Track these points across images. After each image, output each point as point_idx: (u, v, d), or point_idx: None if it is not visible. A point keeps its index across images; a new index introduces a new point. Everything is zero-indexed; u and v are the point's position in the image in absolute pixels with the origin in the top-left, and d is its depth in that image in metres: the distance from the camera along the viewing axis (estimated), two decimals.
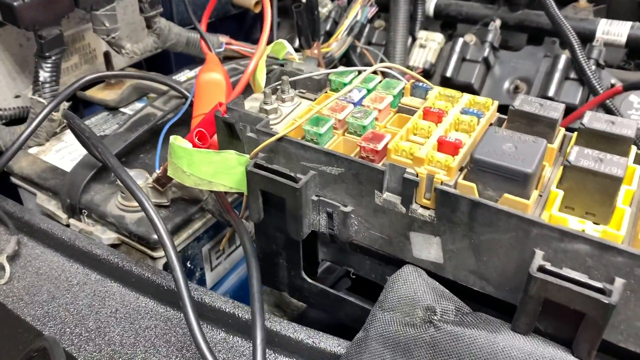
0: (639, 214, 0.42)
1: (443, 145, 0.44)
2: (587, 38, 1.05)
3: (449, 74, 1.09)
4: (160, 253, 0.66)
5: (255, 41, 1.45)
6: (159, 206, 0.67)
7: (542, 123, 0.46)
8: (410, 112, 0.51)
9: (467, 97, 0.50)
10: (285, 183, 0.47)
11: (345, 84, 0.54)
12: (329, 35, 1.25)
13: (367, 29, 1.23)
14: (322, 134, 0.47)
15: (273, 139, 0.48)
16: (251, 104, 0.55)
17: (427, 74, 1.16)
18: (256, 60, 0.59)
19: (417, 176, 0.43)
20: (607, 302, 0.36)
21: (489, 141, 0.42)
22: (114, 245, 0.68)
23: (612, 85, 0.98)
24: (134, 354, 0.52)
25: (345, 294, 0.55)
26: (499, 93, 1.09)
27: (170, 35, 0.93)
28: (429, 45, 1.16)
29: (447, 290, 0.47)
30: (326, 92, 0.57)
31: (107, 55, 0.90)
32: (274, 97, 0.55)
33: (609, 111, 0.94)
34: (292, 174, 0.47)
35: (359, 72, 0.55)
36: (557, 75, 1.00)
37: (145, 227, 0.65)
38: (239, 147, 0.52)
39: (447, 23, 1.29)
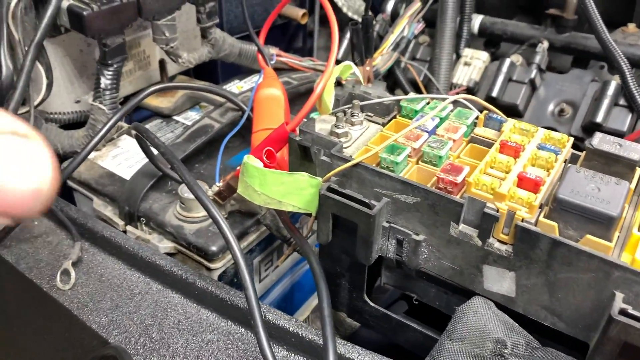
0: None
1: (523, 182, 0.45)
2: (636, 63, 1.05)
3: (494, 94, 1.09)
4: (217, 264, 0.67)
5: (296, 51, 1.47)
6: None
7: (621, 164, 0.46)
8: (483, 143, 0.52)
9: (542, 131, 0.51)
10: (359, 209, 0.47)
11: (416, 111, 0.55)
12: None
13: (412, 44, 1.23)
14: (399, 162, 0.48)
15: (349, 164, 0.48)
16: (319, 126, 0.56)
17: (470, 92, 1.16)
18: (325, 81, 0.59)
19: (497, 211, 0.44)
20: None
21: (572, 181, 0.43)
22: (169, 254, 0.69)
23: None
24: None
25: (406, 319, 0.55)
26: (543, 115, 1.09)
27: (225, 46, 0.94)
28: (474, 63, 1.17)
29: (516, 324, 0.47)
30: (394, 116, 0.57)
31: (162, 63, 0.92)
32: (343, 120, 0.55)
33: None
34: (367, 201, 0.48)
35: (430, 100, 0.56)
36: (606, 102, 0.99)
37: (204, 239, 0.66)
38: (310, 169, 0.52)
39: (491, 41, 1.29)
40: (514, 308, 0.47)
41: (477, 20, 1.24)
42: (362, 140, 0.55)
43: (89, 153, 0.64)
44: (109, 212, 0.74)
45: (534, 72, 1.09)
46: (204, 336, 0.56)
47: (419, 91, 1.16)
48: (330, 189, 0.50)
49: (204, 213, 0.68)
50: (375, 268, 0.56)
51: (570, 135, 1.04)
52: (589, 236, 0.41)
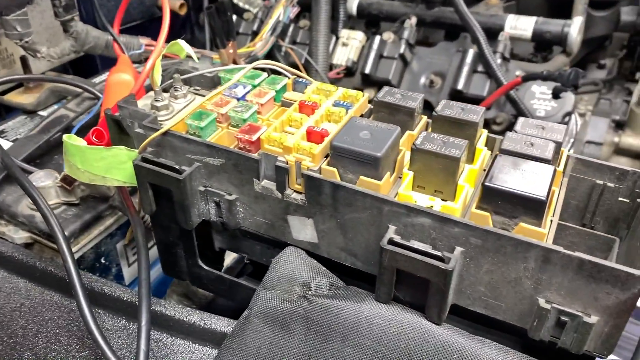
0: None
1: (311, 135, 0.48)
2: (496, 33, 1.12)
3: (367, 70, 1.14)
4: (72, 249, 0.68)
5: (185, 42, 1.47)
6: (69, 204, 0.69)
7: (402, 112, 0.50)
8: (291, 105, 0.55)
9: (341, 90, 0.54)
10: (169, 175, 0.50)
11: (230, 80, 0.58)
12: (256, 34, 1.29)
13: (291, 29, 1.26)
14: (203, 127, 0.50)
15: (157, 133, 0.51)
16: (144, 102, 0.58)
17: (349, 71, 1.20)
18: (153, 60, 0.61)
19: (286, 163, 0.47)
20: (444, 268, 0.41)
21: (349, 130, 0.46)
22: (27, 245, 0.69)
23: (518, 77, 1.05)
24: (35, 344, 0.54)
25: (241, 279, 0.58)
26: (416, 88, 1.14)
27: (89, 39, 0.94)
28: (351, 43, 1.21)
29: (323, 268, 0.51)
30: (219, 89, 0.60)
31: (23, 60, 0.91)
32: (166, 94, 0.58)
33: (512, 101, 1.01)
34: (177, 167, 0.50)
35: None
36: (465, 69, 1.06)
37: None
38: (130, 143, 0.54)
39: (371, 21, 1.34)
40: (320, 253, 0.50)
41: (354, 1, 1.28)
42: (184, 112, 0.57)
43: None
44: None
45: (403, 47, 1.14)
46: (45, 315, 0.57)
47: None
48: (143, 159, 0.52)
49: (54, 201, 0.68)
50: (209, 233, 0.59)
51: None
52: (362, 177, 0.45)
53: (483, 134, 0.50)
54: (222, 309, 0.69)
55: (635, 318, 0.41)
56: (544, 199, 0.40)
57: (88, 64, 1.14)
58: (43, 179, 0.69)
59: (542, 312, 0.41)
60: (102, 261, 0.73)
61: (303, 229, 0.50)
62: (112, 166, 0.54)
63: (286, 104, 0.56)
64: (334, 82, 1.23)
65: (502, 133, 1.06)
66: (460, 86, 1.05)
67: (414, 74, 1.16)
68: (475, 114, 0.48)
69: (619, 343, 0.43)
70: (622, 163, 1.18)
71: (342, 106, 0.52)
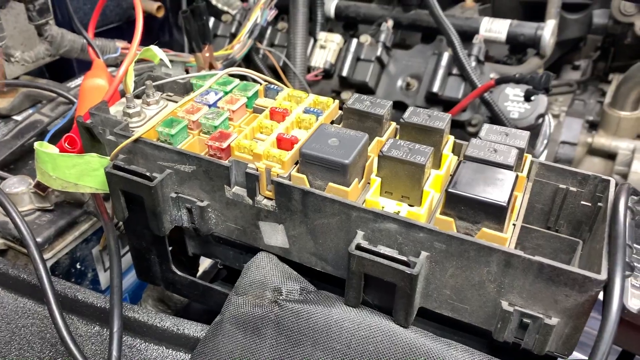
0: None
1: (281, 142, 0.49)
2: (471, 36, 1.13)
3: (344, 73, 1.15)
4: (46, 255, 0.68)
5: (163, 44, 1.47)
6: (43, 210, 0.69)
7: (371, 119, 0.51)
8: (262, 112, 0.56)
9: (312, 97, 0.55)
10: (140, 182, 0.50)
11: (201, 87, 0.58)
12: (234, 37, 1.29)
13: (269, 31, 1.27)
14: (174, 134, 0.51)
15: (128, 141, 0.51)
16: (117, 108, 0.58)
17: (327, 73, 1.21)
18: (126, 66, 0.62)
19: (256, 170, 0.48)
20: (410, 272, 0.42)
21: (318, 137, 0.47)
22: (1, 251, 0.69)
23: (492, 79, 1.06)
24: (7, 352, 0.54)
25: (214, 284, 0.58)
26: (394, 90, 1.16)
27: (64, 42, 0.94)
28: (329, 46, 1.22)
29: (295, 273, 0.51)
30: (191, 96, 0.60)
31: None
32: (138, 100, 0.58)
33: (486, 103, 1.02)
34: (149, 174, 0.51)
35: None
36: (440, 72, 1.07)
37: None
38: (102, 150, 0.55)
39: (348, 24, 1.35)
40: (291, 258, 0.51)
41: (331, 4, 1.29)
42: (156, 119, 0.58)
43: None
44: None
45: (379, 50, 1.15)
46: (18, 322, 0.57)
47: (278, 76, 1.20)
48: (115, 166, 0.52)
49: (28, 207, 0.68)
50: (183, 239, 0.59)
51: (416, 106, 1.12)
52: (331, 184, 0.46)
53: (449, 140, 0.51)
54: (197, 313, 0.69)
55: (597, 313, 0.42)
56: (504, 204, 0.41)
57: (64, 68, 1.13)
58: (16, 185, 0.68)
59: (505, 314, 0.42)
60: (78, 266, 0.73)
61: (274, 235, 0.51)
62: (84, 173, 0.54)
63: (258, 111, 0.56)
64: (312, 84, 1.23)
65: (477, 134, 1.08)
66: (435, 89, 1.06)
67: (391, 76, 1.17)
68: (442, 120, 0.49)
69: (583, 340, 0.44)
70: (595, 163, 1.20)
71: (313, 113, 0.53)
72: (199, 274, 0.68)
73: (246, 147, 0.48)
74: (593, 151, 1.20)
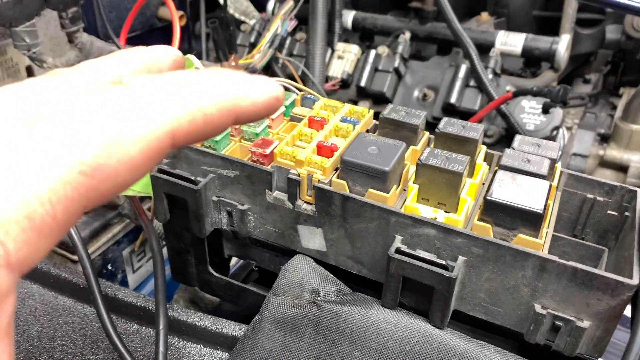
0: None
1: (321, 149, 0.51)
2: (487, 49, 1.16)
3: (363, 83, 1.17)
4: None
5: (184, 52, 1.50)
6: None
7: (406, 128, 0.53)
8: (299, 120, 0.58)
9: (347, 107, 0.57)
10: (185, 185, 0.52)
11: None
12: (253, 46, 1.32)
13: (288, 41, 1.30)
14: (218, 141, 0.53)
15: None
16: None
17: (345, 83, 1.24)
18: None
19: (298, 176, 0.50)
20: (448, 276, 0.44)
21: (357, 145, 0.49)
22: None
23: (508, 92, 1.09)
24: (51, 348, 0.56)
25: (249, 285, 0.60)
26: (410, 100, 1.18)
27: (93, 50, 0.96)
28: (346, 56, 1.24)
29: (331, 275, 0.53)
30: None
31: (29, 69, 0.93)
32: None
33: (503, 115, 1.05)
34: (193, 178, 0.53)
35: None
36: (458, 84, 1.09)
37: None
38: None
39: (365, 35, 1.37)
40: (328, 261, 0.53)
41: (349, 16, 1.32)
42: None
43: None
44: None
45: (397, 61, 1.17)
46: (59, 320, 0.59)
47: None
48: (160, 170, 0.54)
49: None
50: (219, 241, 0.61)
51: (433, 117, 1.14)
52: (371, 190, 0.48)
53: (482, 149, 0.53)
54: (227, 313, 0.71)
55: (622, 325, 0.44)
56: (541, 212, 0.43)
57: None
58: None
59: (538, 317, 0.44)
60: (109, 267, 0.75)
61: (312, 238, 0.53)
62: None
63: (295, 119, 0.59)
64: (330, 93, 1.26)
65: (493, 145, 1.10)
66: (453, 100, 1.09)
67: (407, 87, 1.20)
68: (476, 131, 0.51)
69: (608, 348, 0.46)
70: (607, 175, 1.23)
71: (350, 122, 0.55)
72: (229, 274, 0.70)
73: (288, 154, 0.51)
74: (605, 163, 1.22)
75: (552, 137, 1.06)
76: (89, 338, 0.57)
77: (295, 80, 1.25)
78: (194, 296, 0.70)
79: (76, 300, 0.61)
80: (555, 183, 0.50)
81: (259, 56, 1.19)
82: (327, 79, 1.24)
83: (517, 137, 0.52)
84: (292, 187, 0.50)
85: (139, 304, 0.58)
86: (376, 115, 0.58)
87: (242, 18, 1.47)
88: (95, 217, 0.71)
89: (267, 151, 0.52)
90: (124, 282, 0.79)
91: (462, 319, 0.50)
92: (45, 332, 0.58)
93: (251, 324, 0.53)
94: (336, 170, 0.51)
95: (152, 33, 1.27)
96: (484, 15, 1.28)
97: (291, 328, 0.51)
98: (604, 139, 1.27)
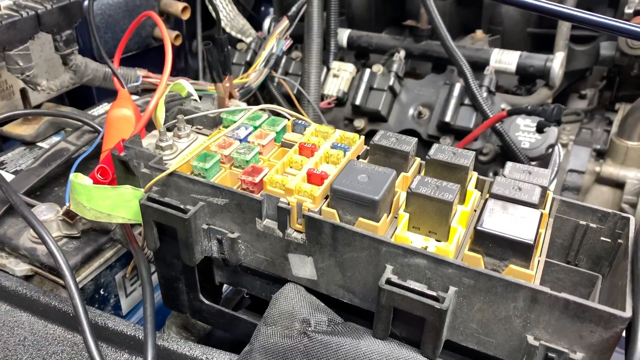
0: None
1: (311, 177, 0.51)
2: (482, 66, 1.16)
3: (358, 102, 1.17)
4: None
5: (179, 72, 1.50)
6: (70, 237, 0.71)
7: (397, 155, 0.53)
8: (290, 146, 0.58)
9: (338, 132, 0.57)
10: (175, 214, 0.52)
11: (235, 122, 0.60)
12: (249, 65, 1.32)
13: (284, 60, 1.30)
14: (208, 168, 0.53)
15: (163, 174, 0.53)
16: (149, 141, 0.60)
17: (340, 101, 1.24)
18: (156, 99, 0.64)
19: (288, 204, 0.50)
20: (439, 307, 0.43)
21: (347, 173, 0.49)
22: (27, 277, 0.71)
23: (503, 110, 1.09)
24: None
25: (240, 313, 0.60)
26: (405, 118, 1.18)
27: (87, 71, 0.96)
28: (342, 75, 1.25)
29: (322, 304, 0.53)
30: (220, 128, 0.62)
31: (23, 92, 0.93)
32: (170, 134, 0.60)
33: (498, 134, 1.04)
34: (182, 206, 0.52)
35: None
36: (452, 102, 1.09)
37: None
38: (135, 182, 0.57)
39: (361, 53, 1.38)
40: (319, 290, 0.53)
41: (344, 34, 1.33)
42: (188, 152, 0.60)
43: None
44: None
45: (392, 80, 1.18)
46: (49, 349, 0.58)
47: (292, 104, 1.23)
48: (149, 199, 0.54)
49: (56, 234, 0.70)
50: (210, 268, 0.61)
51: (428, 135, 1.14)
52: (361, 219, 0.48)
53: (473, 176, 0.53)
54: (220, 340, 0.71)
55: (619, 347, 0.43)
56: (531, 242, 0.43)
57: (84, 95, 1.16)
58: (45, 212, 0.70)
59: (531, 348, 0.44)
60: (101, 292, 0.74)
61: (303, 267, 0.52)
62: (117, 204, 0.56)
63: (286, 145, 0.58)
64: (325, 112, 1.26)
65: (489, 163, 1.10)
66: (447, 118, 1.09)
67: (402, 105, 1.20)
68: (467, 158, 0.51)
69: None
70: (604, 192, 1.22)
71: (340, 148, 0.55)
72: (220, 301, 0.69)
73: (278, 182, 0.50)
74: (601, 180, 1.22)
75: (547, 155, 1.05)
76: None
77: (290, 99, 1.25)
78: (186, 322, 0.69)
79: (66, 329, 0.60)
80: (546, 211, 0.49)
81: (255, 75, 1.19)
82: (322, 97, 1.24)
83: (508, 165, 0.52)
84: (282, 215, 0.50)
85: (129, 332, 0.57)
86: (370, 134, 0.57)
87: (239, 36, 1.47)
88: (87, 242, 0.71)
89: (257, 179, 0.51)
90: (117, 307, 0.78)
91: (455, 349, 0.50)
92: None
93: (241, 355, 0.52)
94: (326, 198, 0.50)
95: (148, 53, 1.27)
96: (479, 33, 1.29)
97: (282, 359, 0.50)
98: (600, 154, 1.26)
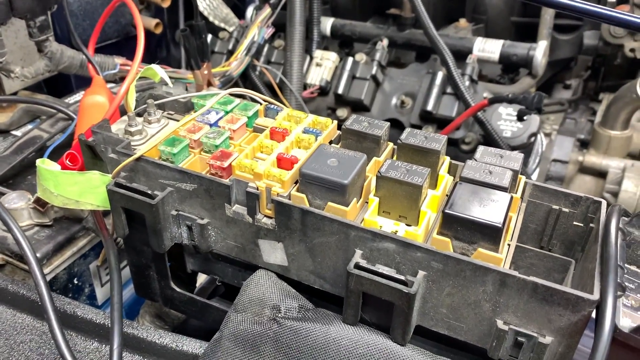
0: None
1: (281, 162, 0.50)
2: (465, 55, 1.16)
3: (340, 90, 1.16)
4: (45, 270, 0.68)
5: (162, 60, 1.48)
6: (42, 225, 0.69)
7: (369, 139, 0.52)
8: (262, 131, 0.57)
9: (311, 117, 0.56)
10: (142, 200, 0.51)
11: (204, 106, 0.59)
12: (231, 54, 1.31)
13: (266, 49, 1.28)
14: (176, 153, 0.52)
15: (130, 159, 0.52)
16: (119, 126, 0.59)
17: (323, 90, 1.23)
18: (127, 84, 0.63)
19: (257, 189, 0.49)
20: (407, 291, 0.43)
21: (317, 157, 0.48)
22: None
23: (485, 99, 1.08)
24: None
25: (213, 301, 0.59)
26: (388, 108, 1.17)
27: (63, 59, 0.95)
28: (325, 63, 1.24)
29: (293, 290, 0.52)
30: (191, 114, 0.61)
31: None
32: (140, 119, 0.59)
33: (479, 122, 1.04)
34: (150, 192, 0.51)
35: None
36: (435, 91, 1.09)
37: None
38: (104, 168, 0.55)
39: (344, 42, 1.37)
40: (290, 276, 0.52)
41: (327, 23, 1.31)
42: (157, 137, 0.58)
43: None
44: None
45: (374, 69, 1.17)
46: (17, 338, 0.57)
47: (274, 93, 1.22)
48: (117, 184, 0.53)
49: (27, 222, 0.69)
50: (182, 256, 0.60)
51: (411, 124, 1.13)
52: (330, 203, 0.47)
53: (445, 160, 0.52)
54: (195, 329, 0.70)
55: (589, 331, 0.43)
56: (500, 225, 0.42)
57: (62, 83, 1.14)
58: (16, 201, 0.69)
59: (500, 333, 0.43)
60: (75, 282, 0.73)
61: (273, 253, 0.51)
62: (85, 190, 0.55)
63: (258, 130, 0.57)
64: (308, 101, 1.25)
65: (471, 152, 1.09)
66: (429, 107, 1.08)
67: (385, 94, 1.19)
68: (438, 142, 0.50)
69: (576, 357, 0.45)
70: (587, 181, 1.22)
71: (312, 133, 0.54)
72: (195, 290, 0.68)
73: (247, 167, 0.49)
74: (584, 169, 1.22)
75: (529, 144, 1.05)
76: (46, 357, 0.55)
77: (273, 88, 1.24)
78: (159, 311, 0.68)
79: (34, 318, 0.59)
80: (518, 195, 0.49)
81: (236, 64, 1.17)
82: (305, 86, 1.23)
83: (480, 148, 0.51)
84: (251, 200, 0.49)
85: (98, 321, 0.56)
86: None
87: (222, 25, 1.45)
88: (59, 230, 0.69)
89: (226, 164, 0.50)
90: (92, 297, 0.77)
91: (425, 334, 0.49)
92: (0, 351, 0.56)
93: (211, 342, 0.51)
94: (296, 183, 0.49)
95: (128, 41, 1.25)
96: (462, 21, 1.28)
97: (251, 345, 0.49)
98: (584, 144, 1.26)
